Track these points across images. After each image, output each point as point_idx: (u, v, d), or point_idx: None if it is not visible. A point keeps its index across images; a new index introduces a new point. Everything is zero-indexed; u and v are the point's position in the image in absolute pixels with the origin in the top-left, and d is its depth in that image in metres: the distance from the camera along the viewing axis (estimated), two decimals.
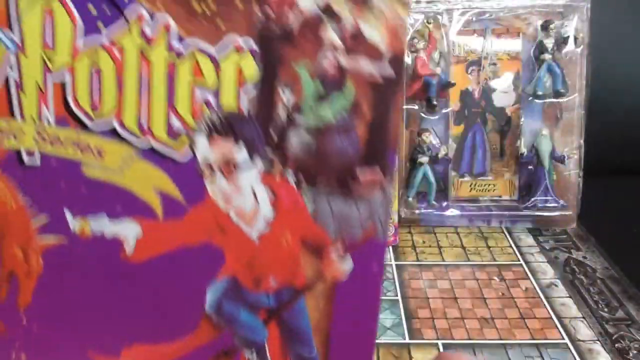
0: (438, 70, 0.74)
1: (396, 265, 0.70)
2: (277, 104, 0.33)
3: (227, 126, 0.32)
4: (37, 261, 0.37)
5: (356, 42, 0.31)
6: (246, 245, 0.35)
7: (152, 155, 0.34)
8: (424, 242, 0.75)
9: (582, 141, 0.75)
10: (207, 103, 0.32)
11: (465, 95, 0.76)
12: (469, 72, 0.76)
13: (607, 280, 0.66)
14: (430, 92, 0.75)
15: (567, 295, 0.63)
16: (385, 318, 0.60)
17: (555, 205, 0.75)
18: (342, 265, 0.34)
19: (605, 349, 0.55)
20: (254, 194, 0.34)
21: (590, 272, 0.68)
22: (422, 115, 0.77)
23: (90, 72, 0.33)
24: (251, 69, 0.32)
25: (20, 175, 0.35)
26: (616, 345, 0.56)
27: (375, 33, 0.31)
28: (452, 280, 0.67)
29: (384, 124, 0.32)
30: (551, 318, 0.60)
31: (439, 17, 0.75)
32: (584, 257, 0.71)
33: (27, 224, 0.36)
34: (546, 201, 0.75)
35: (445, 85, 0.75)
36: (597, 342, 0.56)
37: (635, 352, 0.55)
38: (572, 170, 0.76)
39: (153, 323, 0.38)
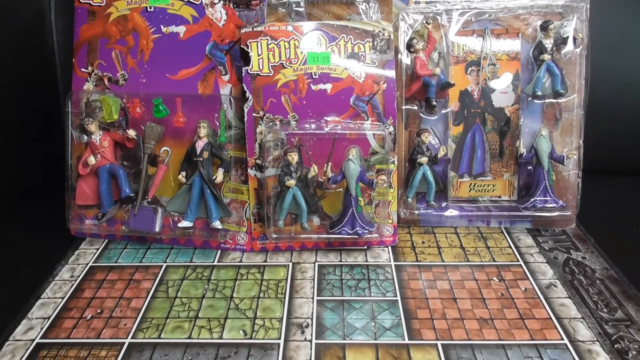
0: (437, 71, 0.74)
1: (395, 265, 0.70)
2: None
3: None
4: None
5: None
6: None
7: None
8: (423, 242, 0.75)
9: (581, 141, 0.75)
10: None
11: (464, 95, 0.76)
12: (468, 72, 0.76)
13: (606, 280, 0.66)
14: (430, 93, 0.75)
15: (567, 296, 0.64)
16: (385, 318, 0.60)
17: (555, 205, 0.75)
18: None
19: (604, 350, 0.55)
20: None
21: (589, 272, 0.68)
22: (422, 115, 0.77)
23: None
24: None
25: None
26: (615, 345, 0.56)
27: None
28: (452, 280, 0.67)
29: None
30: (550, 318, 0.60)
31: (438, 17, 0.75)
32: (583, 258, 0.71)
33: None
34: (545, 201, 0.75)
35: (445, 86, 0.75)
36: (597, 342, 0.56)
37: (634, 352, 0.55)
38: (571, 171, 0.76)
39: None
